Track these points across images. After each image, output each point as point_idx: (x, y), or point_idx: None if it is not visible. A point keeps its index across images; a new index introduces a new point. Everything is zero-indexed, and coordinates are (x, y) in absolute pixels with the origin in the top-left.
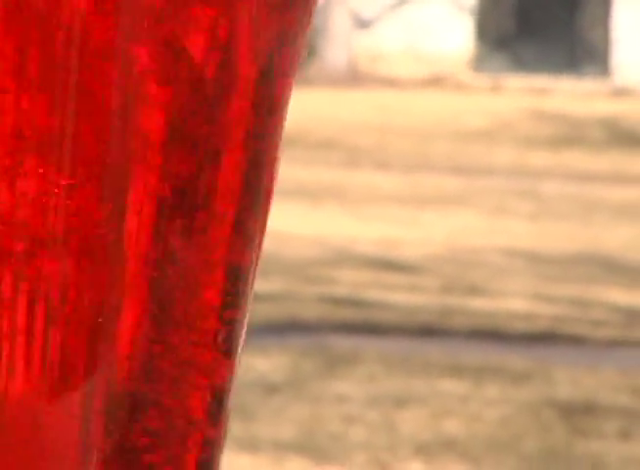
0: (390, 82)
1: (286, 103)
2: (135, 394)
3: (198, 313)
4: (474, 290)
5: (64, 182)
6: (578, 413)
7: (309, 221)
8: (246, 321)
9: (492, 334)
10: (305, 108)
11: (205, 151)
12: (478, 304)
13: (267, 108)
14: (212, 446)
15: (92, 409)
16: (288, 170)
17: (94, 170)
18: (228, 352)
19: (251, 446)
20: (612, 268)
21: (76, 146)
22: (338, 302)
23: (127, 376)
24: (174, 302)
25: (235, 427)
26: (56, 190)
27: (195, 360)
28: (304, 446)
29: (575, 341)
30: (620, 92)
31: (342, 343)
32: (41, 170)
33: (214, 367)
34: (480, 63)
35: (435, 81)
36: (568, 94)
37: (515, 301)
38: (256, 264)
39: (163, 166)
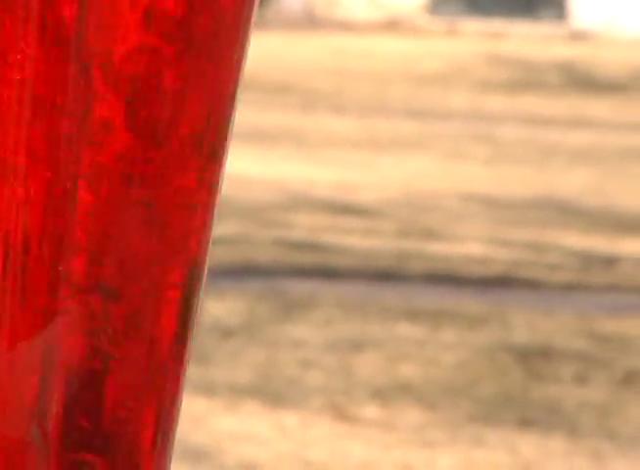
0: (347, 26)
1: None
2: (95, 346)
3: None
4: (430, 234)
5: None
6: (534, 357)
7: (265, 165)
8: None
9: (449, 278)
10: (261, 51)
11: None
12: (434, 248)
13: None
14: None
15: (52, 362)
16: (244, 114)
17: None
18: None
19: (207, 389)
20: (568, 213)
21: None
22: (294, 246)
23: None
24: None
25: (191, 371)
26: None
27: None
28: (260, 390)
29: (531, 285)
30: (577, 36)
31: (299, 287)
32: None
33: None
34: (435, 7)
35: (392, 25)
36: (524, 38)
37: (471, 245)
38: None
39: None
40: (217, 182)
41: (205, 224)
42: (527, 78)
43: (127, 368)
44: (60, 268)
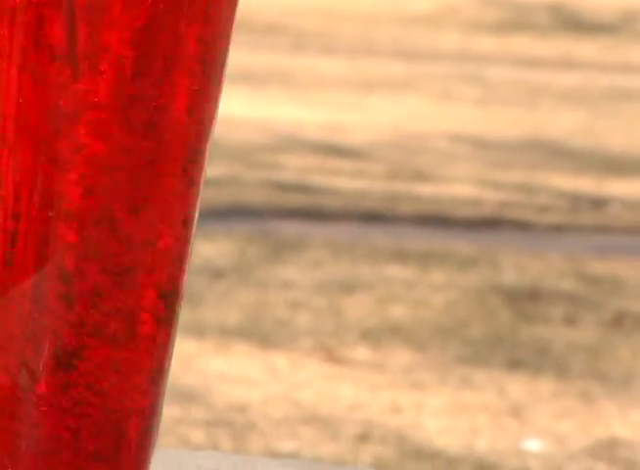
0: None
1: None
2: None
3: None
4: (420, 175)
5: None
6: (524, 299)
7: (255, 106)
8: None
9: (438, 219)
10: None
11: None
12: (423, 189)
13: None
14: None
15: (41, 311)
16: (233, 55)
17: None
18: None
19: (197, 331)
20: (557, 154)
21: None
22: (283, 187)
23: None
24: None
25: (181, 312)
26: None
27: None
28: (250, 332)
29: (521, 226)
30: None
31: (288, 228)
32: None
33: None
34: None
35: None
36: None
37: (461, 186)
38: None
39: None
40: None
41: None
42: (517, 19)
43: (114, 317)
44: (50, 214)
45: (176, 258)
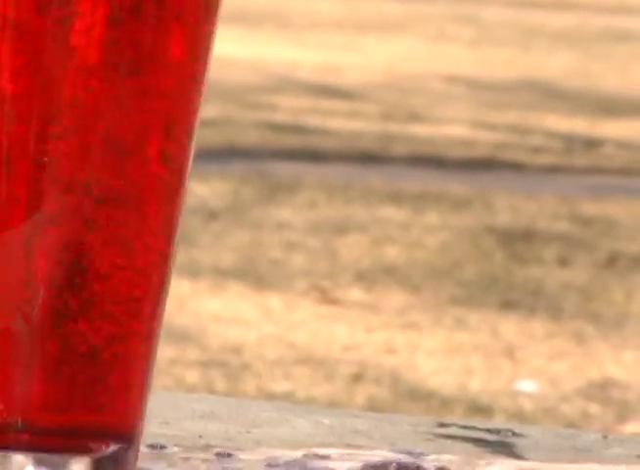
0: None
1: None
2: (78, 233)
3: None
4: (414, 116)
5: None
6: (517, 240)
7: (248, 47)
8: None
9: (432, 160)
10: None
11: None
12: (418, 130)
13: None
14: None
15: (36, 252)
16: None
17: None
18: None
19: (192, 271)
20: (551, 95)
21: None
22: (278, 128)
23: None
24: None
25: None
26: None
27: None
28: (244, 273)
29: (515, 167)
30: None
31: (283, 169)
32: None
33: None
34: None
35: None
36: None
37: (455, 127)
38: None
39: None
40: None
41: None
42: None
43: (112, 253)
44: (44, 159)
45: (175, 187)
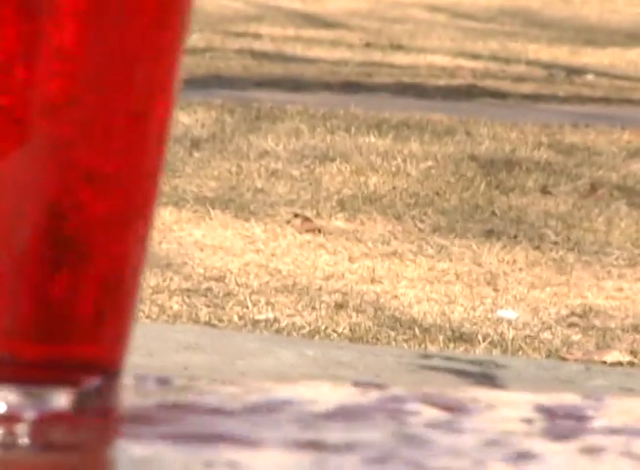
0: None
1: None
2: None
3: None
4: (396, 45)
5: None
6: (499, 168)
7: None
8: None
9: (415, 89)
10: None
11: None
12: (400, 59)
13: None
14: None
15: (25, 187)
16: None
17: None
18: None
19: (176, 200)
20: (533, 23)
21: None
22: (260, 56)
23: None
24: None
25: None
26: None
27: None
28: (228, 202)
29: (497, 96)
30: None
31: (266, 98)
32: None
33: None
34: None
35: None
36: None
37: (437, 56)
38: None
39: None
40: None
41: None
42: None
43: (96, 181)
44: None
45: (165, 127)
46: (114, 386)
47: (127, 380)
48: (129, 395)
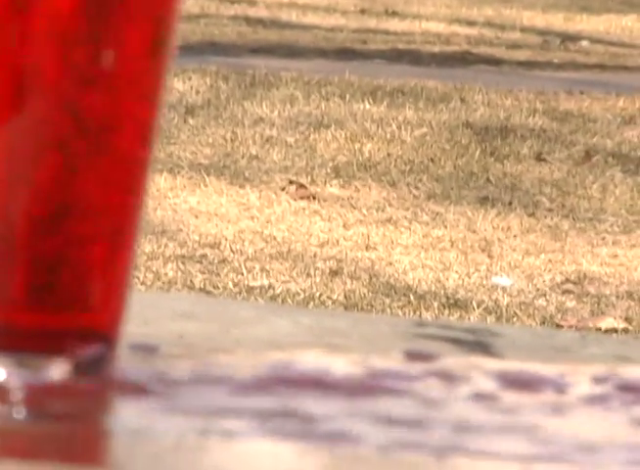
0: None
1: None
2: (62, 140)
3: None
4: (392, 12)
5: None
6: (494, 135)
7: None
8: None
9: (410, 56)
10: None
11: None
12: (395, 26)
13: None
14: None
15: (17, 158)
16: None
17: None
18: None
19: (171, 167)
20: None
21: None
22: (256, 23)
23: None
24: None
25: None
26: None
27: None
28: (223, 168)
29: (492, 63)
30: None
31: (261, 65)
32: None
33: None
34: None
35: None
36: None
37: (432, 23)
38: None
39: None
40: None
41: None
42: None
43: (91, 150)
44: (28, 61)
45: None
46: (111, 355)
47: (123, 349)
48: (125, 364)
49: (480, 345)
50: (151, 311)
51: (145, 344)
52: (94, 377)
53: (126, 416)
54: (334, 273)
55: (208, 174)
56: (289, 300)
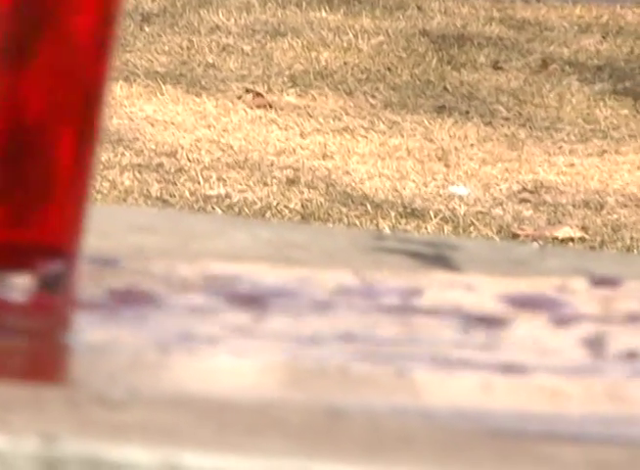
0: None
1: None
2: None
3: None
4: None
5: None
6: (451, 44)
7: None
8: None
9: None
10: None
11: None
12: None
13: None
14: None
15: None
16: None
17: None
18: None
19: (127, 75)
20: None
21: None
22: None
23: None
24: None
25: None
26: None
27: None
28: (179, 76)
29: None
30: None
31: None
32: None
33: None
34: None
35: None
36: None
37: None
38: None
39: None
40: None
41: None
42: None
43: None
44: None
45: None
46: (70, 270)
47: (83, 264)
48: (85, 279)
49: (439, 259)
50: (109, 224)
51: (105, 258)
52: (55, 293)
53: (85, 332)
54: (291, 182)
55: (165, 83)
56: (246, 209)
